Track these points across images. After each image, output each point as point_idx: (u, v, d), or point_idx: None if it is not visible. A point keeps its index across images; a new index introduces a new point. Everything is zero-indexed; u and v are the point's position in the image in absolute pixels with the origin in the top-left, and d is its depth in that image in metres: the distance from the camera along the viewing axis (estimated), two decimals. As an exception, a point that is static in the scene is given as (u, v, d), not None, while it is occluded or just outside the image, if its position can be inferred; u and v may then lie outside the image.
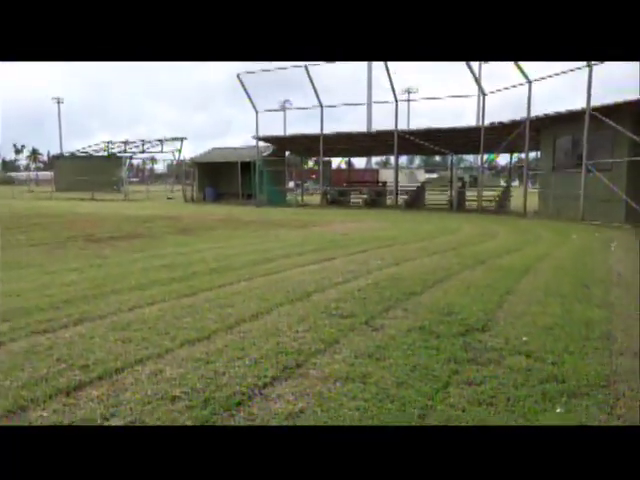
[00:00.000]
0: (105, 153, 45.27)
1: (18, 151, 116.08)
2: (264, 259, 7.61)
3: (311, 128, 27.13)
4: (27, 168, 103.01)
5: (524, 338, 3.88)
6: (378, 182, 32.67)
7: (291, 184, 34.68)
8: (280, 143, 29.22)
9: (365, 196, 29.20)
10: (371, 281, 5.92)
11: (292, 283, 5.77)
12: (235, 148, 32.52)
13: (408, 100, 34.77)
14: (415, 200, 26.45)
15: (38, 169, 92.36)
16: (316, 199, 30.33)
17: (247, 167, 28.21)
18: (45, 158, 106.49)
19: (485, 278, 6.21)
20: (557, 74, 18.16)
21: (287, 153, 32.14)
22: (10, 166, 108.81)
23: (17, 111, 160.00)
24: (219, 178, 31.54)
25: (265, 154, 28.79)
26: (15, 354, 3.43)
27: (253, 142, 28.18)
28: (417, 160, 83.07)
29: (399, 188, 26.56)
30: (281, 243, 9.89)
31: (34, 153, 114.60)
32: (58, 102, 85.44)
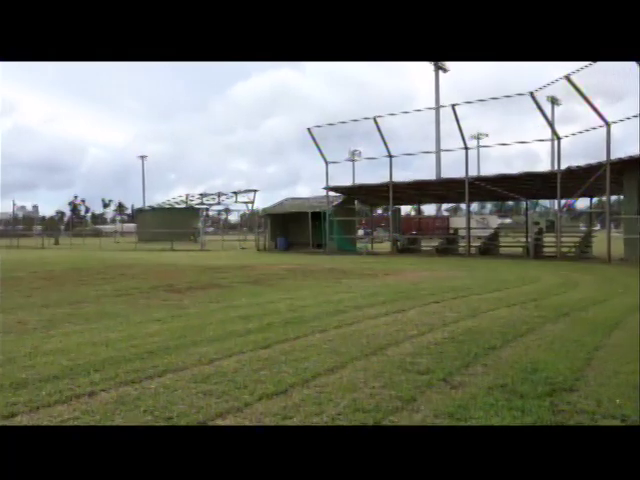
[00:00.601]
0: (183, 205, 47.83)
1: (106, 205, 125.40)
2: (336, 310, 7.64)
3: (379, 175, 27.43)
4: (113, 221, 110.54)
5: (617, 400, 3.61)
6: (449, 229, 32.18)
7: (361, 232, 34.88)
8: (349, 192, 29.69)
9: (436, 244, 28.82)
10: (447, 334, 5.77)
11: (366, 336, 5.73)
12: (306, 198, 33.41)
13: (478, 146, 34.50)
14: (488, 247, 25.76)
15: (123, 221, 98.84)
16: (386, 247, 30.23)
17: (317, 216, 28.80)
18: (129, 211, 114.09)
19: (570, 332, 5.88)
20: (635, 116, 17.43)
21: (356, 202, 32.56)
22: (99, 219, 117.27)
23: (106, 167, 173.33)
24: (290, 227, 32.37)
25: (334, 203, 29.32)
26: (106, 404, 3.62)
27: (323, 191, 28.84)
28: (489, 205, 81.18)
29: (471, 235, 26.02)
30: (352, 293, 9.90)
31: (120, 207, 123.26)
32: (142, 159, 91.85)
